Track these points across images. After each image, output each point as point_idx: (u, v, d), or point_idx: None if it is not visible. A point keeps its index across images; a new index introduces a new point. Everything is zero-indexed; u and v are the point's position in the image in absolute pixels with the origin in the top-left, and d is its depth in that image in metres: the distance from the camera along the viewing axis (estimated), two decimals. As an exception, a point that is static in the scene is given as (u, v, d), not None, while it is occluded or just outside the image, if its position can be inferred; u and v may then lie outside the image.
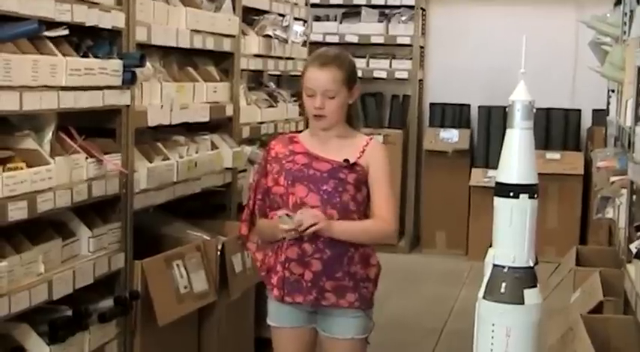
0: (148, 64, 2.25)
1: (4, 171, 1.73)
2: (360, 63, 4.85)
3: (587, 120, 5.04)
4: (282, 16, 3.23)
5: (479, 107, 5.10)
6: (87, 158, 2.00)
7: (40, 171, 1.81)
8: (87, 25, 1.97)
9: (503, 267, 1.56)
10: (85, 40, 2.05)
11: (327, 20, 5.24)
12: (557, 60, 4.94)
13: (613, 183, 2.70)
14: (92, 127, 2.09)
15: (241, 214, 2.08)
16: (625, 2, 2.99)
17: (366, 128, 4.26)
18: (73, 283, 1.92)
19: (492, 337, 1.55)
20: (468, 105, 5.20)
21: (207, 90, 2.66)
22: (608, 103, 3.89)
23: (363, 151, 1.91)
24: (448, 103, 5.20)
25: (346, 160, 1.89)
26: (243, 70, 2.95)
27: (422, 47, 5.21)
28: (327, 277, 1.87)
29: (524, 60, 1.60)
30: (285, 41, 3.20)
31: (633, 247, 2.18)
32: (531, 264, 1.57)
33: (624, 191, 2.53)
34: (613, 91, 3.50)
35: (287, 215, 1.81)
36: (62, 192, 1.87)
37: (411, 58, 5.11)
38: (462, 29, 5.17)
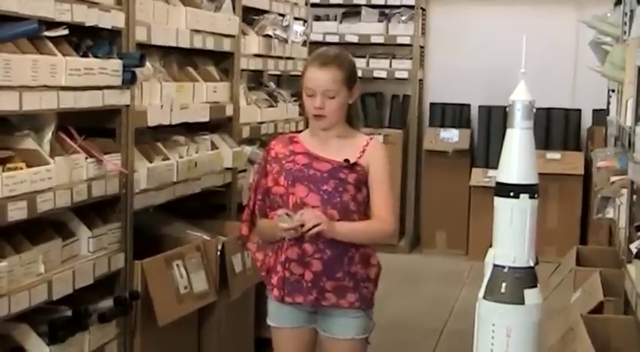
0: (147, 63, 2.25)
1: (3, 171, 1.73)
2: (360, 63, 4.85)
3: (587, 120, 5.04)
4: (282, 15, 3.23)
5: (479, 107, 5.10)
6: (87, 158, 2.00)
7: (39, 171, 1.81)
8: (87, 24, 1.96)
9: (504, 267, 1.56)
10: (84, 39, 2.04)
11: (327, 20, 5.24)
12: (557, 60, 4.94)
13: (613, 183, 2.70)
14: (92, 127, 2.09)
15: (241, 214, 2.08)
16: (625, 2, 2.98)
17: (366, 128, 4.26)
18: (73, 283, 1.92)
19: (493, 337, 1.55)
20: (468, 105, 5.20)
21: (207, 90, 2.66)
22: (609, 103, 3.89)
23: (363, 151, 1.91)
24: (448, 103, 5.19)
25: (346, 160, 1.89)
26: (243, 70, 2.95)
27: (422, 47, 5.20)
28: (328, 277, 1.86)
29: (524, 60, 1.60)
30: (285, 41, 3.20)
31: (633, 247, 2.18)
32: (532, 264, 1.57)
33: (624, 191, 2.53)
34: (613, 91, 3.49)
35: (286, 214, 1.81)
36: (62, 192, 1.87)
37: (411, 58, 5.10)
38: (462, 29, 5.17)
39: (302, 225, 1.79)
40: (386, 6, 5.13)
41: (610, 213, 2.81)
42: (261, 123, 3.06)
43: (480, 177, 4.88)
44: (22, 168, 1.77)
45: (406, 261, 4.78)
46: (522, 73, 1.60)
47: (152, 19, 2.27)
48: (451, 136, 5.05)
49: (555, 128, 4.96)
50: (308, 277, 1.87)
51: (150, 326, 2.18)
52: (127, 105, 2.15)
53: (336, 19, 5.22)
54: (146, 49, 2.25)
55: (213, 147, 2.71)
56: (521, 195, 1.55)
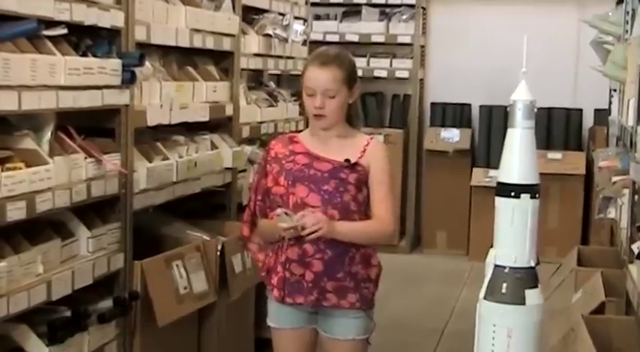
0: (147, 63, 2.25)
1: (2, 171, 1.72)
2: (360, 62, 4.85)
3: (588, 120, 5.03)
4: (282, 15, 3.22)
5: (480, 106, 5.09)
6: (86, 158, 2.00)
7: (38, 171, 1.80)
8: (86, 24, 1.96)
9: (505, 268, 1.55)
10: (84, 39, 2.04)
11: (328, 19, 5.23)
12: (558, 59, 4.93)
13: (615, 183, 2.69)
14: (91, 127, 2.08)
15: (241, 214, 2.07)
16: (627, 1, 2.97)
17: (367, 128, 4.27)
18: (72, 283, 1.92)
19: (493, 338, 1.54)
20: (469, 105, 5.19)
21: (207, 90, 2.65)
22: (610, 103, 3.88)
23: (364, 151, 1.90)
24: (449, 103, 5.18)
25: (347, 160, 1.88)
26: (243, 70, 2.94)
27: (422, 46, 5.19)
28: (329, 277, 1.86)
29: (525, 59, 1.59)
30: (285, 40, 3.19)
31: (635, 247, 2.17)
32: (532, 265, 1.56)
33: (626, 191, 2.52)
34: (615, 91, 3.48)
35: (285, 213, 1.80)
36: (61, 192, 1.87)
37: (411, 58, 5.09)
38: (463, 28, 5.16)
39: (303, 227, 1.78)
40: (386, 5, 5.12)
41: (611, 213, 2.80)
42: (261, 122, 3.06)
43: (480, 177, 4.87)
44: (21, 168, 1.77)
45: (407, 261, 4.77)
46: (523, 72, 1.59)
47: (152, 19, 2.27)
48: (452, 136, 5.04)
49: (556, 128, 4.95)
50: (309, 277, 1.86)
51: (149, 326, 2.17)
52: (127, 105, 2.14)
53: (336, 19, 5.21)
54: (145, 49, 2.25)
55: (213, 146, 2.71)
56: (523, 195, 1.54)
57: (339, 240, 1.84)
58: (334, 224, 1.82)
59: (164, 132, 2.49)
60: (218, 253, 2.47)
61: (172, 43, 2.41)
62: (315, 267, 1.86)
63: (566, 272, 2.97)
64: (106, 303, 2.08)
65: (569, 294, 2.72)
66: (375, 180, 1.89)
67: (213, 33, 2.64)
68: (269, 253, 1.94)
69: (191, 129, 2.63)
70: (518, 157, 1.55)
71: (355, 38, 5.08)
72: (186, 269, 2.31)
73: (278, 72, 3.46)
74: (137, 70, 2.13)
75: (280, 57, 3.20)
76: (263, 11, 3.14)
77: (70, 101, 1.89)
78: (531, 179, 1.55)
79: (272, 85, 3.46)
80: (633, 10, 2.79)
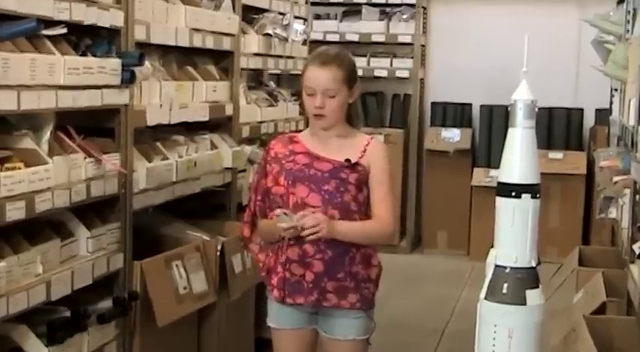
0: (147, 62, 2.24)
1: (1, 170, 1.72)
2: (360, 62, 4.84)
3: (589, 120, 5.02)
4: (282, 14, 3.21)
5: (480, 106, 5.08)
6: (85, 158, 1.99)
7: (38, 170, 1.80)
8: (85, 23, 1.95)
9: (505, 268, 1.55)
10: (83, 38, 2.04)
11: (328, 18, 5.22)
12: (559, 59, 4.92)
13: (616, 182, 2.68)
14: (91, 127, 2.08)
15: (241, 214, 2.07)
16: (628, 0, 2.97)
17: (367, 127, 4.27)
18: (72, 284, 1.91)
19: (494, 338, 1.54)
20: (470, 105, 5.18)
21: (207, 90, 2.65)
22: (611, 102, 3.87)
23: (364, 151, 1.90)
24: (449, 102, 5.18)
25: (347, 160, 1.88)
26: (242, 69, 2.94)
27: (423, 46, 5.18)
28: (329, 278, 1.85)
29: (526, 59, 1.59)
30: (286, 40, 3.19)
31: (636, 247, 2.16)
32: (533, 265, 1.56)
33: (627, 191, 2.51)
34: (616, 90, 3.47)
35: (284, 213, 1.79)
36: (60, 192, 1.86)
37: (412, 57, 5.09)
38: (464, 28, 5.15)
39: (303, 228, 1.77)
40: (387, 4, 5.11)
41: (613, 213, 2.80)
42: (261, 122, 3.05)
43: (481, 176, 4.86)
44: (20, 168, 1.77)
45: (407, 261, 4.76)
46: (524, 71, 1.58)
47: (151, 18, 2.26)
48: (452, 136, 5.03)
49: (557, 127, 4.94)
50: (309, 278, 1.86)
51: (149, 326, 2.17)
52: (126, 105, 2.14)
53: (336, 18, 5.21)
54: (145, 48, 2.24)
55: (213, 146, 2.70)
56: (523, 195, 1.54)
57: (339, 240, 1.84)
58: (334, 224, 1.82)
59: (164, 132, 2.49)
60: (218, 253, 2.47)
61: (172, 43, 2.40)
62: (315, 268, 1.85)
63: (567, 273, 2.96)
64: (106, 303, 2.08)
65: (570, 294, 2.71)
66: (376, 180, 1.89)
67: (213, 32, 2.64)
68: (269, 253, 1.93)
69: (191, 129, 2.62)
70: (519, 157, 1.54)
71: (355, 38, 5.07)
72: (186, 270, 2.30)
73: (278, 71, 3.46)
74: (137, 69, 2.13)
75: (280, 56, 3.20)
76: (263, 10, 3.13)
77: (70, 101, 1.89)
78: (532, 179, 1.55)
79: (272, 84, 3.45)
80: (634, 9, 2.79)
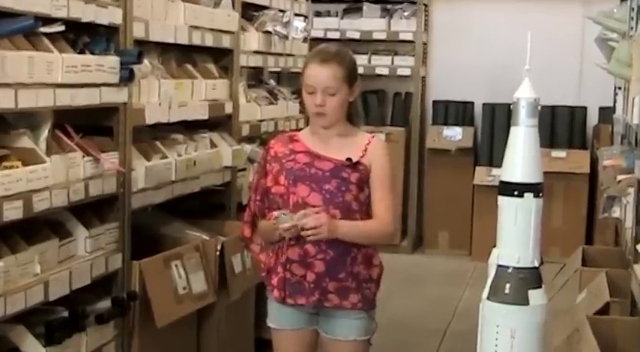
0: (145, 60, 2.23)
1: (-1, 169, 1.71)
2: (361, 59, 4.82)
3: (593, 118, 4.99)
4: (283, 11, 3.20)
5: (483, 104, 5.06)
6: (84, 156, 1.98)
7: (36, 169, 1.79)
8: (83, 21, 1.94)
9: (508, 268, 1.53)
10: (81, 36, 2.03)
11: (328, 16, 5.20)
12: (562, 56, 4.89)
13: (619, 181, 2.66)
14: (89, 125, 2.07)
15: (241, 214, 2.05)
16: (631, -3, 2.94)
17: (368, 126, 4.24)
18: (70, 284, 1.90)
19: (497, 338, 1.53)
20: (472, 103, 5.16)
21: (206, 88, 2.63)
22: (615, 101, 3.84)
23: (365, 150, 1.88)
24: (451, 101, 5.15)
25: (349, 159, 1.86)
26: (242, 67, 2.93)
27: (425, 43, 5.17)
28: (330, 278, 1.84)
29: (529, 56, 1.57)
30: (286, 37, 3.17)
31: (640, 247, 2.13)
32: (536, 265, 1.55)
33: (631, 190, 2.49)
34: (620, 88, 3.45)
35: (283, 214, 1.77)
36: (58, 192, 1.85)
37: (413, 55, 5.07)
38: (466, 25, 5.13)
39: (303, 228, 1.75)
40: (388, 2, 5.10)
41: (616, 213, 2.77)
42: (261, 121, 3.04)
43: (483, 175, 4.84)
44: (17, 167, 1.75)
45: (408, 261, 4.74)
46: (527, 69, 1.57)
47: (150, 15, 2.25)
48: (454, 134, 5.01)
49: (560, 126, 4.92)
50: (310, 278, 1.84)
51: (148, 327, 2.15)
52: (125, 103, 2.12)
53: (337, 15, 5.19)
54: (144, 46, 2.23)
55: (213, 145, 2.69)
56: (526, 194, 1.52)
57: (340, 239, 1.82)
58: (336, 224, 1.80)
59: (163, 131, 2.47)
60: (217, 253, 2.45)
61: (171, 40, 2.39)
62: (316, 268, 1.84)
63: (571, 273, 2.94)
64: (104, 304, 2.07)
65: (573, 294, 2.69)
66: (376, 179, 1.88)
67: (212, 30, 2.63)
68: (270, 253, 1.92)
69: (190, 128, 2.61)
70: (522, 156, 1.53)
71: (356, 35, 5.06)
72: (186, 270, 2.29)
73: (278, 69, 3.44)
74: (135, 67, 2.11)
75: (280, 54, 3.18)
76: (263, 8, 3.11)
77: (68, 99, 1.88)
78: (535, 178, 1.54)
79: (272, 82, 3.43)
80: (638, 6, 2.76)
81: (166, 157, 2.37)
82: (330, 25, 5.08)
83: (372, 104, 5.10)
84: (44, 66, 1.79)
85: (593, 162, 4.64)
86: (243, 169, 2.88)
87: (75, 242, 2.01)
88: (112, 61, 2.03)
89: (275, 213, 1.80)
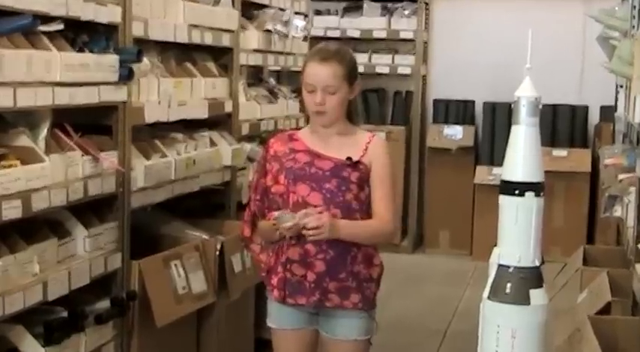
0: (145, 59, 2.22)
1: (-3, 169, 1.70)
2: (362, 58, 4.81)
3: (594, 117, 4.98)
4: (283, 10, 3.19)
5: (483, 103, 5.05)
6: (83, 156, 1.97)
7: (34, 168, 1.78)
8: (82, 19, 1.94)
9: (509, 267, 1.53)
10: (80, 34, 2.02)
11: (329, 14, 5.19)
12: (564, 55, 4.88)
13: (621, 180, 2.65)
14: (88, 124, 2.06)
15: (241, 213, 2.05)
16: (633, -4, 2.92)
17: (369, 125, 4.23)
18: (69, 283, 1.89)
19: (497, 338, 1.52)
20: (473, 102, 5.15)
21: (206, 87, 2.62)
22: (617, 99, 3.83)
23: (366, 149, 1.88)
24: (452, 99, 5.14)
25: (349, 158, 1.85)
26: (242, 66, 2.92)
27: (425, 42, 5.15)
28: (331, 278, 1.83)
29: (530, 55, 1.56)
30: (286, 36, 3.16)
31: (642, 246, 2.13)
32: (537, 264, 1.54)
33: (632, 189, 2.48)
34: (621, 87, 3.43)
35: (284, 213, 1.76)
36: (57, 191, 1.85)
37: (414, 53, 5.05)
38: (466, 23, 5.12)
39: (305, 227, 1.74)
40: (388, 0, 5.08)
41: (618, 212, 2.77)
42: (261, 119, 3.03)
43: (484, 175, 4.83)
44: (16, 166, 1.75)
45: (409, 261, 4.73)
46: (528, 68, 1.56)
47: (149, 14, 2.24)
48: (455, 133, 5.00)
49: (562, 125, 4.90)
50: (310, 278, 1.84)
51: (148, 327, 2.15)
52: (124, 102, 2.12)
53: (337, 14, 5.18)
54: (143, 45, 2.22)
55: (212, 144, 2.68)
56: (527, 193, 1.51)
57: (341, 239, 1.81)
58: (338, 223, 1.79)
59: (162, 130, 2.46)
60: (217, 253, 2.44)
61: (170, 39, 2.38)
62: (317, 268, 1.83)
63: (572, 272, 2.93)
64: (104, 304, 2.06)
65: (574, 294, 2.68)
66: (377, 178, 1.87)
67: (212, 28, 2.62)
68: (270, 253, 1.91)
69: (190, 127, 2.60)
70: (523, 155, 1.52)
71: (357, 34, 5.04)
72: (185, 269, 2.28)
73: (278, 68, 3.43)
74: (135, 66, 2.11)
75: (280, 53, 3.18)
76: (263, 6, 3.11)
77: (67, 98, 1.87)
78: (536, 177, 1.53)
79: (272, 81, 3.42)
80: (640, 4, 2.75)
81: (166, 156, 2.36)
82: (330, 24, 5.07)
83: (372, 103, 5.09)
84: (43, 64, 1.78)
85: (595, 161, 4.63)
86: (243, 168, 2.87)
87: (74, 241, 2.00)
88: (111, 59, 2.02)
89: (276, 214, 1.79)
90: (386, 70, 5.05)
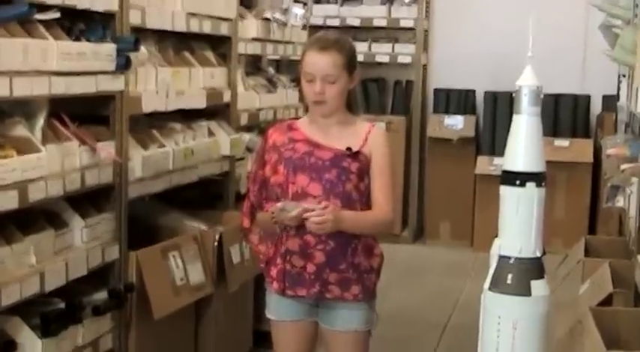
0: (142, 48, 2.20)
1: (-7, 159, 1.68)
2: (361, 47, 4.77)
3: (596, 106, 4.95)
4: (282, -2, 3.15)
5: (484, 93, 5.01)
6: (80, 146, 1.96)
7: (31, 159, 1.77)
8: (79, 7, 1.91)
9: (510, 258, 1.52)
10: (77, 23, 2.00)
11: (328, 3, 5.14)
12: (566, 43, 4.84)
13: (623, 170, 2.62)
14: (85, 114, 2.05)
15: (240, 204, 2.03)
16: (637, -16, 2.88)
17: (368, 114, 4.20)
18: (66, 275, 1.88)
19: (498, 330, 1.51)
20: (474, 91, 5.11)
21: (204, 76, 2.60)
22: (619, 89, 3.80)
23: (365, 139, 1.86)
24: (453, 89, 5.11)
25: (349, 149, 1.83)
26: (241, 55, 2.89)
27: (426, 31, 5.11)
28: (331, 269, 1.82)
29: (531, 43, 1.54)
30: (285, 24, 3.13)
31: (644, 237, 2.11)
32: (538, 255, 1.53)
33: (635, 179, 2.47)
34: (624, 76, 3.40)
35: (287, 204, 1.74)
36: (54, 181, 1.83)
37: (414, 42, 5.02)
38: (467, 12, 5.07)
39: (306, 218, 1.72)
40: (389, -12, 5.04)
41: (620, 202, 2.75)
42: (260, 109, 3.01)
43: (485, 165, 4.81)
44: (12, 156, 1.73)
45: (409, 252, 4.72)
46: (529, 57, 1.55)
47: (147, 2, 2.22)
48: (456, 123, 4.97)
49: (564, 114, 4.87)
50: (310, 269, 1.82)
51: (145, 319, 2.14)
52: (121, 91, 2.10)
53: (336, 2, 5.13)
54: (141, 33, 2.20)
55: (211, 134, 2.66)
56: (528, 184, 1.50)
57: (342, 229, 1.79)
58: (341, 217, 1.76)
59: (160, 120, 2.45)
60: (216, 244, 2.43)
61: (168, 28, 2.36)
62: (317, 259, 1.82)
63: (573, 263, 2.92)
64: (101, 295, 2.06)
65: (576, 285, 2.67)
66: (376, 168, 1.85)
67: (210, 17, 2.59)
68: (269, 244, 1.90)
69: (188, 116, 2.58)
70: (524, 145, 1.51)
71: (356, 22, 5.00)
72: (183, 260, 2.27)
73: (277, 57, 3.40)
74: (132, 55, 2.09)
75: (279, 42, 3.15)
76: (262, -5, 3.07)
77: (63, 87, 1.85)
78: (537, 167, 1.52)
79: (271, 70, 3.39)
80: (644, -8, 2.71)
81: (164, 146, 2.34)
82: (329, 12, 5.02)
83: (372, 92, 5.05)
84: (39, 53, 1.76)
85: (597, 151, 4.60)
86: (242, 158, 2.86)
87: (71, 232, 1.99)
88: (108, 48, 2.00)
89: (279, 204, 1.77)
90: (386, 59, 5.01)
